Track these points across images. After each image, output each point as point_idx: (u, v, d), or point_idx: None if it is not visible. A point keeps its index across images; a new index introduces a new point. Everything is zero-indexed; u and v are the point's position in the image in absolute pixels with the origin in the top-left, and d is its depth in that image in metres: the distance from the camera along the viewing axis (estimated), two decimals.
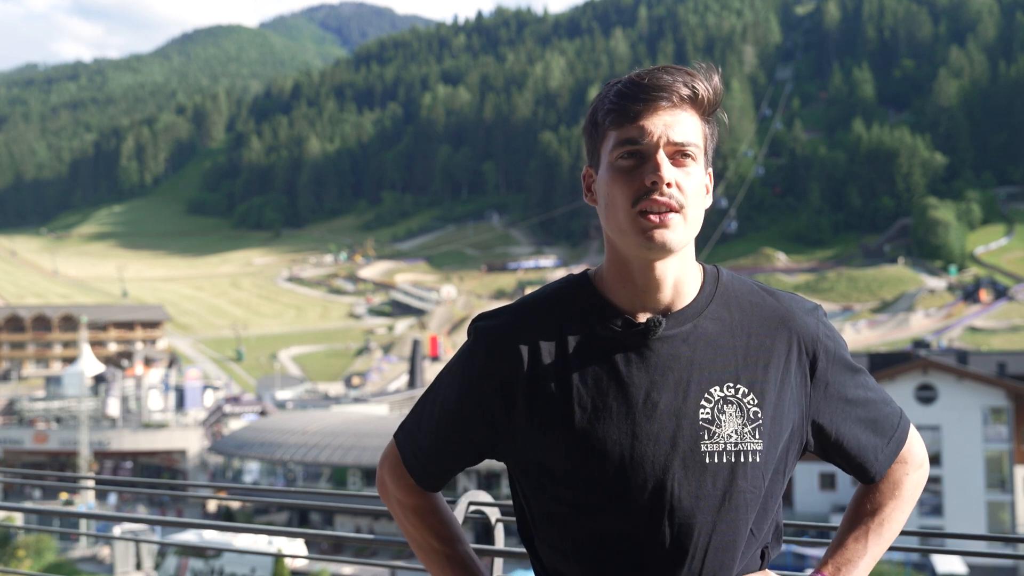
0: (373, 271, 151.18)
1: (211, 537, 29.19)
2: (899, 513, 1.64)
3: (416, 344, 73.65)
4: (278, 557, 27.05)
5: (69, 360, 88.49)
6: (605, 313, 1.54)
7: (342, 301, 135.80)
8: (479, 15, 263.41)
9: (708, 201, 1.56)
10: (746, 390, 1.50)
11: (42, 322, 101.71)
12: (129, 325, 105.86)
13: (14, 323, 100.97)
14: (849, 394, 1.59)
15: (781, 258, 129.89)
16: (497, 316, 1.61)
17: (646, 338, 1.50)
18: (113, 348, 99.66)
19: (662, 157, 1.46)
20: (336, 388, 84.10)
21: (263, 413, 59.98)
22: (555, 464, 1.51)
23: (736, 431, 1.48)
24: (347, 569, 34.01)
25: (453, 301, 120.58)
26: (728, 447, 1.48)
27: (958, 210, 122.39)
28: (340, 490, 22.95)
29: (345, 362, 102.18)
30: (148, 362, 74.53)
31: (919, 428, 1.68)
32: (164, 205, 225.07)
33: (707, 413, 1.49)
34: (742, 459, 1.48)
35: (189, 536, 28.28)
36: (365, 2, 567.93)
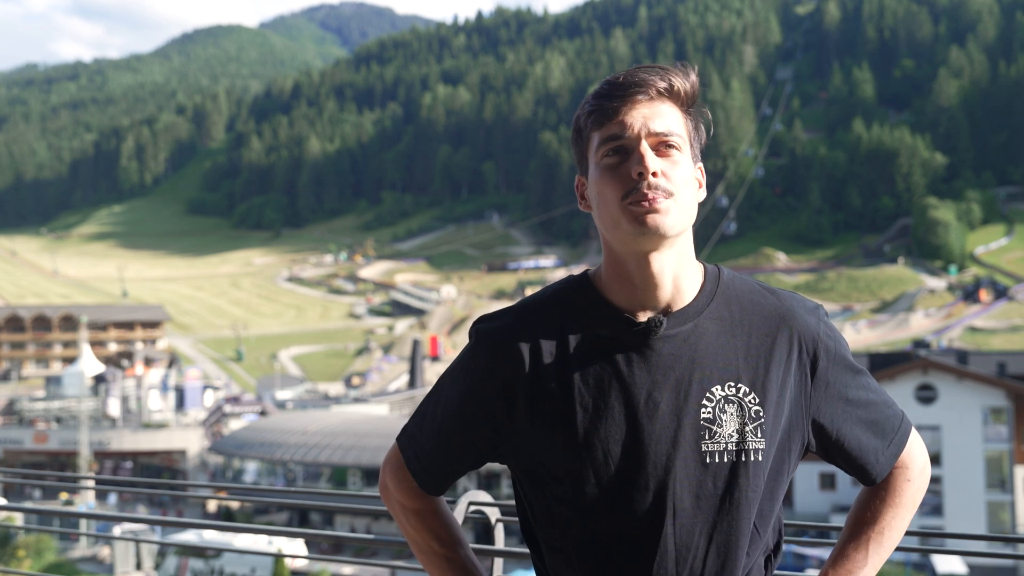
0: (373, 271, 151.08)
1: (211, 537, 29.18)
2: (899, 521, 1.64)
3: (416, 344, 73.58)
4: (278, 557, 27.03)
5: (69, 360, 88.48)
6: (606, 313, 1.54)
7: (342, 301, 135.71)
8: (479, 15, 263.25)
9: (702, 194, 1.57)
10: (747, 389, 1.51)
11: (42, 322, 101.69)
12: (129, 325, 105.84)
13: (14, 323, 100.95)
14: (850, 394, 1.59)
15: (781, 258, 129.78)
16: (498, 318, 1.61)
17: (647, 338, 1.51)
18: (113, 348, 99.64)
19: (645, 148, 1.48)
20: (336, 388, 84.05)
21: (263, 413, 59.95)
22: (556, 464, 1.52)
23: (738, 430, 1.49)
24: (347, 569, 33.98)
25: (453, 301, 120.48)
26: (730, 446, 1.49)
27: (958, 210, 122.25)
28: (340, 490, 22.93)
29: (345, 362, 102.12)
30: (148, 362, 74.55)
31: (919, 428, 1.68)
32: (164, 205, 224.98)
33: (708, 412, 1.49)
34: (744, 458, 1.49)
35: (189, 536, 28.30)
36: (365, 2, 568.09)
